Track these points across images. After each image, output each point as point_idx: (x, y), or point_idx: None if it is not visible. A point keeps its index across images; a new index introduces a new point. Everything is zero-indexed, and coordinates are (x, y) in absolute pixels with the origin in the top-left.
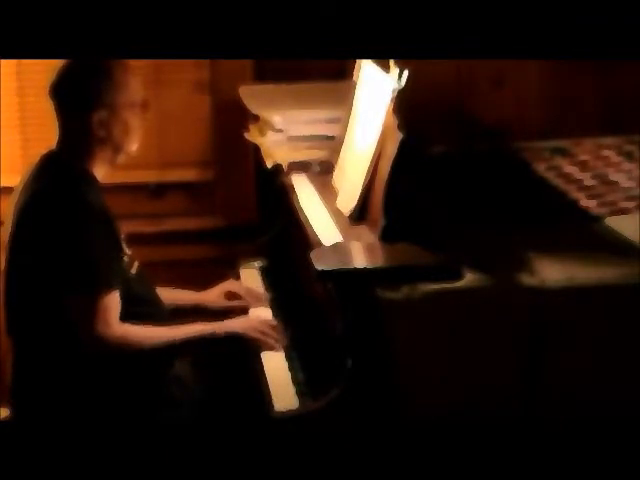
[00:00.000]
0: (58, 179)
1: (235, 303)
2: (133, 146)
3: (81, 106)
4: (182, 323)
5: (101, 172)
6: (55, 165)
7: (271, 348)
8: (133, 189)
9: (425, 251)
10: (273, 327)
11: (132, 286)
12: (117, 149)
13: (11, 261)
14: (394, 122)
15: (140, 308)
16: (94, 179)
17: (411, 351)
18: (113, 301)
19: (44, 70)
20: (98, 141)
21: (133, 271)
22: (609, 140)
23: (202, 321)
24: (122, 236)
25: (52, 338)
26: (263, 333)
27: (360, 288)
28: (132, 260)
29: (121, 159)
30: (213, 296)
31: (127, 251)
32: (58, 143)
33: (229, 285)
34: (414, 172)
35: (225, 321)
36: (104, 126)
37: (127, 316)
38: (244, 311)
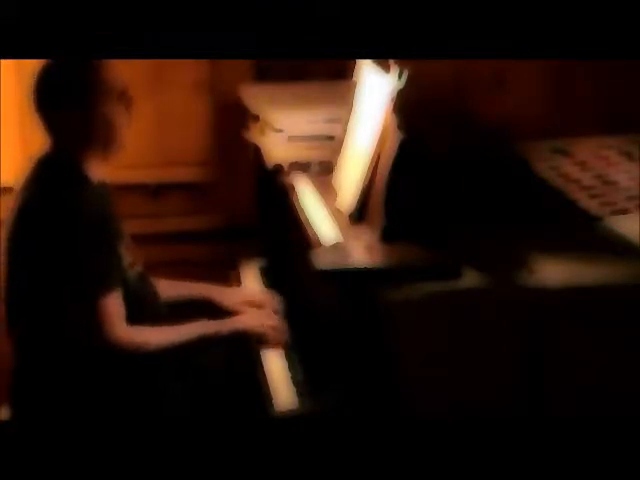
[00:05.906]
0: (52, 184)
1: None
2: (122, 140)
3: (59, 108)
4: (186, 319)
5: (96, 170)
6: (49, 168)
7: (277, 343)
8: (133, 189)
9: (425, 251)
10: (278, 322)
11: (132, 287)
12: (106, 146)
13: (10, 264)
14: (394, 122)
15: (140, 309)
16: (88, 179)
17: (411, 351)
18: (115, 302)
19: None
20: (85, 140)
21: (134, 272)
22: (609, 140)
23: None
24: (124, 237)
25: (52, 340)
26: (270, 327)
27: (360, 288)
28: (134, 261)
29: (115, 154)
30: (232, 301)
31: (129, 252)
32: (50, 145)
33: (250, 295)
34: (414, 172)
35: (230, 319)
36: (86, 125)
37: (126, 317)
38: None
